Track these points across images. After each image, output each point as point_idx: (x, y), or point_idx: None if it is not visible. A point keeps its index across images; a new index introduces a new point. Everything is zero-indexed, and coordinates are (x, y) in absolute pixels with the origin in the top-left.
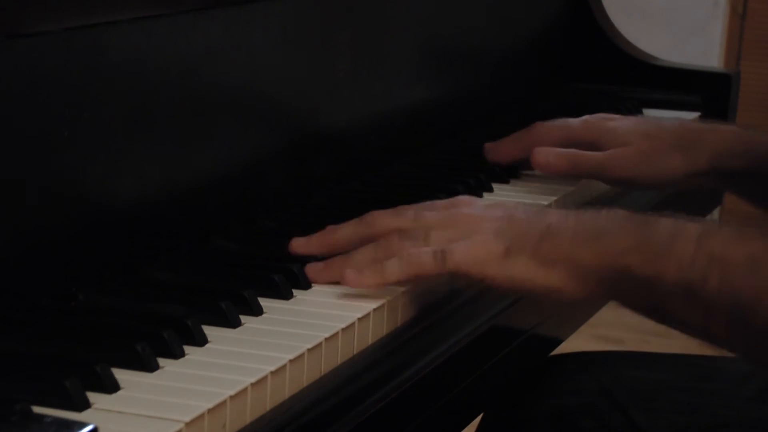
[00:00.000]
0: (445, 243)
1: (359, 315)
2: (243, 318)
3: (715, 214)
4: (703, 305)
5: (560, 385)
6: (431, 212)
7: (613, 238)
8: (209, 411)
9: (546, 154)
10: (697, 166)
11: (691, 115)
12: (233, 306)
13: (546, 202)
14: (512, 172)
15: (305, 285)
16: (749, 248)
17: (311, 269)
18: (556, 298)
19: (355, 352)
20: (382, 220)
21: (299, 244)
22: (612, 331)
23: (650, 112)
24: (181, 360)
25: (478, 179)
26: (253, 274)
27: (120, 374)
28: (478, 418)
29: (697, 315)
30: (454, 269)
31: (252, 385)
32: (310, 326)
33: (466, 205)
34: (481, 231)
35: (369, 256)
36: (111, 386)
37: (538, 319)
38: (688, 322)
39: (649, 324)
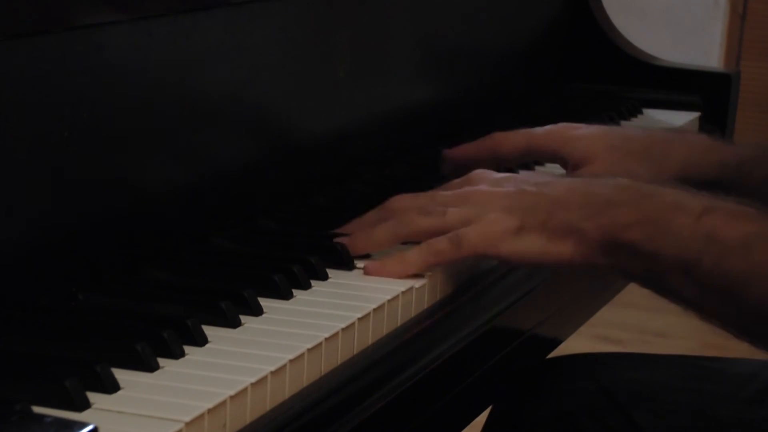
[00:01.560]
0: (461, 221)
1: (359, 315)
2: (243, 318)
3: None
4: (698, 283)
5: (560, 386)
6: (447, 192)
7: (617, 211)
8: (209, 411)
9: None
10: (665, 177)
11: (692, 115)
12: (233, 306)
13: None
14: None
15: (305, 285)
16: (744, 230)
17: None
18: (564, 268)
19: (355, 352)
20: (401, 201)
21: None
22: (612, 331)
23: (650, 112)
24: (181, 360)
25: None
26: (253, 274)
27: (120, 374)
28: (479, 420)
29: (692, 291)
30: (471, 252)
31: (252, 385)
32: (310, 326)
33: (480, 180)
34: (494, 209)
35: (388, 231)
36: (111, 386)
37: (538, 319)
38: (684, 297)
39: (649, 324)
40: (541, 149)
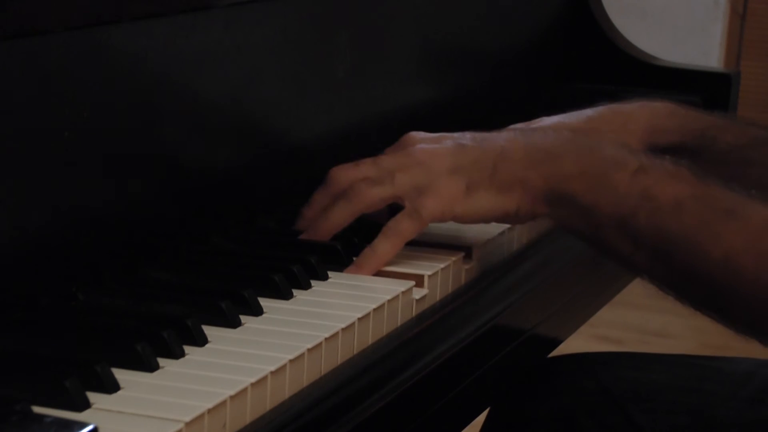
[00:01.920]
0: (411, 186)
1: (359, 315)
2: (243, 318)
3: None
4: (632, 237)
5: (560, 386)
6: (388, 156)
7: (560, 162)
8: (209, 411)
9: None
10: (629, 144)
11: None
12: (233, 306)
13: None
14: None
15: (305, 285)
16: (677, 190)
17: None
18: (510, 221)
19: (355, 352)
20: (345, 174)
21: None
22: (612, 331)
23: None
24: (181, 360)
25: None
26: (253, 274)
27: (120, 374)
28: (478, 419)
29: (626, 245)
30: (431, 220)
31: (252, 385)
32: (310, 326)
33: (417, 141)
34: (440, 170)
35: (344, 211)
36: (111, 386)
37: (538, 319)
38: (617, 251)
39: (649, 324)
40: None
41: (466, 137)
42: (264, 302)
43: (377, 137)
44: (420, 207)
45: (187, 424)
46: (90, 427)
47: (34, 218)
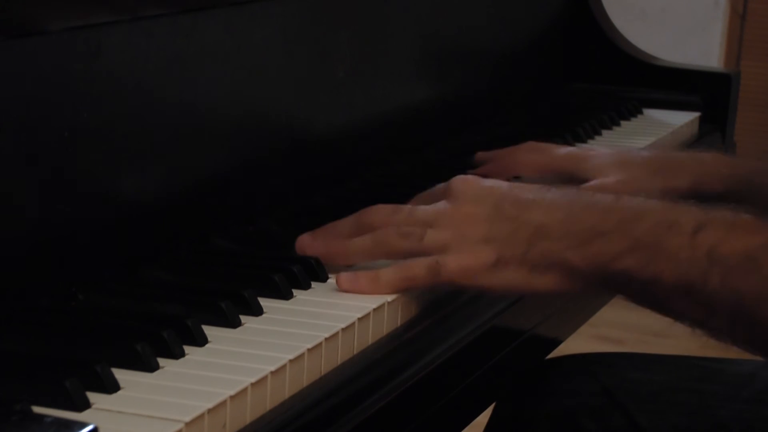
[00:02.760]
0: (438, 247)
1: (359, 315)
2: (243, 318)
3: None
4: (705, 303)
5: (561, 386)
6: (426, 210)
7: (606, 240)
8: (209, 411)
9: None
10: (677, 190)
11: (692, 115)
12: (233, 306)
13: None
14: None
15: (305, 285)
16: (746, 242)
17: (304, 240)
18: (551, 297)
19: (355, 352)
20: (381, 215)
21: (305, 243)
22: (612, 331)
23: (650, 112)
24: (181, 360)
25: None
26: (253, 274)
27: (120, 374)
28: (478, 420)
29: (700, 311)
30: (448, 281)
31: (252, 385)
32: (310, 326)
33: (462, 192)
34: (472, 237)
35: (363, 249)
36: (111, 386)
37: (538, 319)
38: (691, 318)
39: (650, 324)
40: (559, 170)
41: (508, 199)
42: (264, 302)
43: (377, 137)
44: (443, 264)
45: (187, 424)
46: (90, 427)
47: (35, 218)
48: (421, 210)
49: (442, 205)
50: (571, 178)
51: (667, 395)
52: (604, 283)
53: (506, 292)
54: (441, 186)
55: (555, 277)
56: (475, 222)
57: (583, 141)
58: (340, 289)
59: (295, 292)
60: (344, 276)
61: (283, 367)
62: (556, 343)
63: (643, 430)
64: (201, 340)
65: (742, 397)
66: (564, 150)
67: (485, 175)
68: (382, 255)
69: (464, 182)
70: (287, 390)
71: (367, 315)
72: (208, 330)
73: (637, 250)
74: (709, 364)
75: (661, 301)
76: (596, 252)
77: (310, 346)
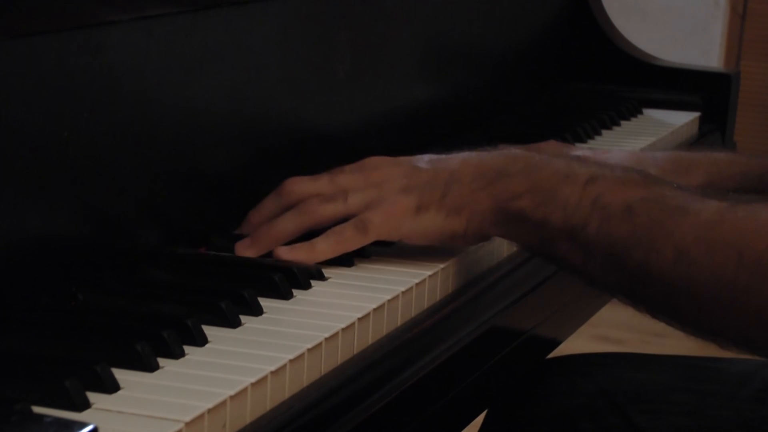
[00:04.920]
0: (363, 206)
1: (359, 315)
2: (243, 318)
3: None
4: (583, 246)
5: (559, 387)
6: (345, 175)
7: (508, 181)
8: (209, 411)
9: None
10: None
11: (691, 115)
12: (233, 306)
13: None
14: None
15: (305, 285)
16: (628, 196)
17: (240, 247)
18: (459, 242)
19: (355, 352)
20: (300, 186)
21: (241, 249)
22: (612, 331)
23: (650, 112)
24: (181, 360)
25: None
26: (253, 274)
27: (120, 374)
28: (478, 420)
29: (578, 256)
30: (376, 236)
31: (252, 385)
32: (310, 326)
33: (375, 164)
34: (392, 190)
35: (292, 223)
36: (111, 386)
37: (538, 319)
38: (570, 263)
39: (649, 324)
40: None
41: (423, 160)
42: (264, 302)
43: (377, 137)
44: (367, 221)
45: (187, 424)
46: (90, 427)
47: (34, 218)
48: (340, 176)
49: (360, 172)
50: None
51: (665, 395)
52: (503, 223)
53: (426, 238)
54: (353, 165)
55: (466, 217)
56: (393, 177)
57: (583, 141)
58: (279, 258)
59: (295, 292)
60: (282, 248)
61: (283, 367)
62: (556, 343)
63: (641, 431)
64: (201, 340)
65: (741, 397)
66: (579, 151)
67: None
68: (312, 224)
69: (379, 157)
70: (287, 390)
71: (367, 315)
72: (208, 330)
73: (533, 192)
74: (709, 364)
75: (548, 242)
76: (499, 191)
77: (310, 346)
